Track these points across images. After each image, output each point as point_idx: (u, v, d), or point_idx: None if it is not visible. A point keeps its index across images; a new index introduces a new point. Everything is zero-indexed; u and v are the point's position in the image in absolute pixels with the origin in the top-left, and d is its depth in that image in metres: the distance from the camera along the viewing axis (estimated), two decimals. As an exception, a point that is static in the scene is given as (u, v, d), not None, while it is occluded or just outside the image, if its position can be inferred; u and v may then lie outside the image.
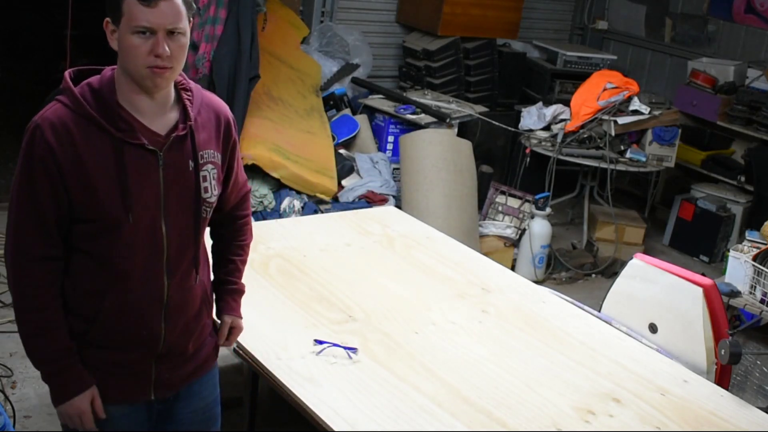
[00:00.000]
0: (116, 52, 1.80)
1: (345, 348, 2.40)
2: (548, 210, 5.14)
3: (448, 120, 5.34)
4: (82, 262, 1.84)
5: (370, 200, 4.87)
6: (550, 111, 5.71)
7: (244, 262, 2.22)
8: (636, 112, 5.43)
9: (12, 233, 1.80)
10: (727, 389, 2.62)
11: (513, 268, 4.97)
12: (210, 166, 1.93)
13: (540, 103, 5.92)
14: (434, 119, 5.33)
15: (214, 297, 2.16)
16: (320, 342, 2.43)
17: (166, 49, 1.73)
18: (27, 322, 1.84)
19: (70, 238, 1.83)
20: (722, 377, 2.71)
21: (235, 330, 2.19)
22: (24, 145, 1.78)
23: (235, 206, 2.15)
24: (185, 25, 1.77)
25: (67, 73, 1.84)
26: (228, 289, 2.18)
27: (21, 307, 1.83)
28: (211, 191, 1.94)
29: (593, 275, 5.33)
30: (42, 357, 1.86)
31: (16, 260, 1.81)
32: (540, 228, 5.08)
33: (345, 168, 5.07)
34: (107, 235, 1.81)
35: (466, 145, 5.05)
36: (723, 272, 3.73)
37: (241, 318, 2.21)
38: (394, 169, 5.24)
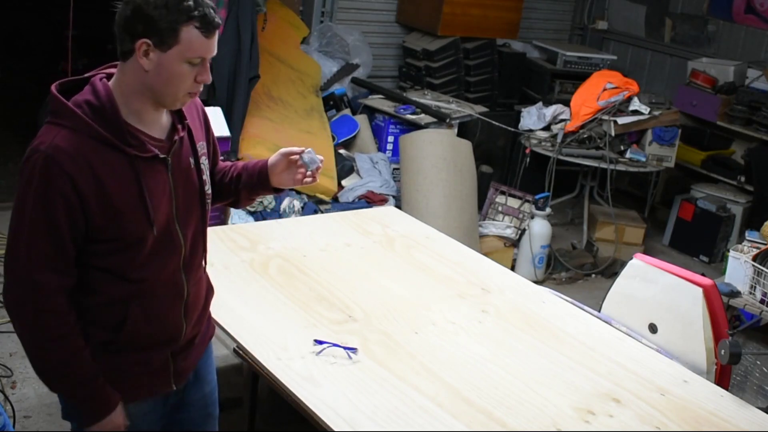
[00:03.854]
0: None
1: (345, 348, 2.40)
2: (548, 210, 5.15)
3: (448, 120, 5.34)
4: (102, 277, 1.81)
5: (370, 200, 4.87)
6: (550, 111, 5.72)
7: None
8: (636, 112, 5.43)
9: (27, 269, 1.72)
10: (727, 389, 2.62)
11: (513, 268, 4.97)
12: (203, 158, 1.96)
13: (540, 103, 5.92)
14: (434, 119, 5.33)
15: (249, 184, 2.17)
16: (320, 342, 2.43)
17: (211, 77, 1.77)
18: (52, 350, 1.77)
19: (90, 257, 1.78)
20: (722, 377, 2.71)
21: (284, 150, 2.13)
22: (34, 179, 1.68)
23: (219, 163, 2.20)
24: None
25: (56, 91, 1.75)
26: (246, 167, 2.17)
27: (44, 339, 1.76)
28: (209, 183, 1.97)
29: (593, 275, 5.33)
30: (78, 381, 1.81)
31: (34, 296, 1.73)
32: (540, 228, 5.08)
33: (345, 168, 5.07)
34: (130, 250, 1.80)
35: (466, 145, 5.05)
36: (723, 272, 3.73)
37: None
38: (394, 169, 5.24)
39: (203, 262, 2.03)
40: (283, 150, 2.15)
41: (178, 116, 1.88)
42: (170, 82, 1.72)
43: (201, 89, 1.80)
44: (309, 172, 2.14)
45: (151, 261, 1.83)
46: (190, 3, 1.67)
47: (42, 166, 1.67)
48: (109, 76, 1.80)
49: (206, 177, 1.95)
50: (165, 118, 1.85)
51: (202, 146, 1.95)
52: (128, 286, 1.83)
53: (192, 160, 1.90)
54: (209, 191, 1.97)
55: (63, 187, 1.67)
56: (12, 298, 1.76)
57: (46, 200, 1.68)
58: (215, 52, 1.76)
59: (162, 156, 1.80)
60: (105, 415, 1.85)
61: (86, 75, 1.80)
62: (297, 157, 2.14)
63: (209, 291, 2.11)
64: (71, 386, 1.82)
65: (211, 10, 1.72)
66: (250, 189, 2.19)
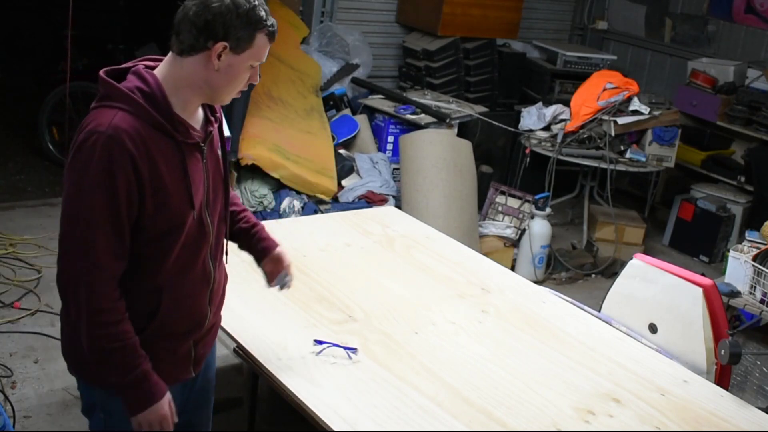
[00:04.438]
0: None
1: (345, 348, 2.40)
2: (548, 210, 5.14)
3: (448, 120, 5.34)
4: (139, 265, 1.85)
5: (369, 200, 4.87)
6: (550, 111, 5.72)
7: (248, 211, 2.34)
8: (636, 112, 5.43)
9: (86, 250, 1.74)
10: (727, 389, 2.62)
11: (513, 268, 4.97)
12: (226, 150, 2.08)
13: (540, 103, 5.92)
14: (434, 119, 5.33)
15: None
16: (320, 342, 2.43)
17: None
18: (104, 337, 1.79)
19: (131, 244, 1.83)
20: (722, 377, 2.71)
21: (283, 258, 2.30)
22: (95, 157, 1.71)
23: None
24: None
25: (106, 76, 1.82)
26: (258, 230, 2.29)
27: (97, 323, 1.78)
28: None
29: (593, 275, 5.33)
30: (125, 368, 1.83)
31: (92, 278, 1.75)
32: (540, 228, 5.08)
33: (345, 168, 5.07)
34: (170, 236, 1.86)
35: (466, 145, 5.05)
36: (723, 272, 3.73)
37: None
38: (394, 169, 5.24)
39: (225, 254, 2.12)
40: (278, 257, 2.29)
41: (210, 110, 1.98)
42: (232, 82, 1.85)
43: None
44: (278, 287, 2.32)
45: (186, 247, 1.90)
46: (263, 13, 1.83)
47: (104, 145, 1.71)
48: (148, 68, 1.87)
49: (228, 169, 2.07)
50: (200, 111, 1.95)
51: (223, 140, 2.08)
52: (163, 273, 1.88)
53: (219, 152, 2.02)
54: (229, 181, 2.10)
55: (125, 165, 1.72)
56: (67, 281, 1.78)
57: (109, 180, 1.72)
58: None
59: (201, 145, 1.91)
60: (152, 403, 1.86)
61: (125, 65, 1.87)
62: (280, 269, 2.31)
63: (226, 279, 2.18)
64: (121, 374, 1.83)
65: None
66: (240, 245, 2.31)
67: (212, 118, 1.97)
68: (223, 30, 1.77)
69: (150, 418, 1.87)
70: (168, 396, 1.90)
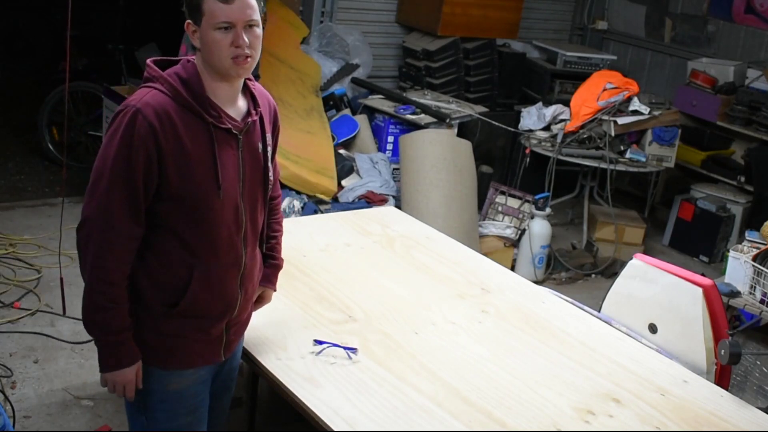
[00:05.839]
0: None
1: (345, 348, 2.40)
2: (548, 210, 5.14)
3: (447, 120, 5.34)
4: (171, 239, 1.98)
5: (369, 200, 4.87)
6: (550, 111, 5.72)
7: (281, 236, 2.40)
8: (636, 112, 5.43)
9: (103, 207, 1.89)
10: (727, 389, 2.62)
11: (513, 269, 4.97)
12: (269, 148, 2.15)
13: (540, 104, 5.92)
14: (434, 119, 5.33)
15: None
16: (320, 342, 2.43)
17: (246, 40, 1.92)
18: (100, 293, 1.93)
19: (159, 217, 1.96)
20: (722, 377, 2.71)
21: (264, 300, 2.37)
22: (121, 128, 1.88)
23: (273, 186, 2.32)
24: (258, 17, 1.96)
25: (151, 62, 2.00)
26: (270, 263, 2.36)
27: (98, 278, 1.92)
28: (272, 170, 2.18)
29: (593, 275, 5.33)
30: (106, 328, 1.95)
31: (103, 234, 1.90)
32: (540, 228, 5.08)
33: (345, 168, 5.07)
34: (198, 212, 1.97)
35: (466, 145, 5.05)
36: (723, 272, 3.73)
37: (275, 290, 2.40)
38: (394, 169, 5.24)
39: (262, 243, 2.24)
40: (260, 297, 2.37)
41: (252, 102, 2.09)
42: (212, 51, 1.93)
43: (248, 53, 1.93)
44: None
45: (218, 228, 2.00)
46: None
47: (130, 117, 1.89)
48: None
49: (270, 162, 2.14)
50: (241, 102, 2.06)
51: (269, 138, 2.15)
52: (195, 250, 1.99)
53: (260, 145, 2.10)
54: (272, 177, 2.17)
55: (146, 137, 1.88)
56: (84, 234, 1.92)
57: (129, 147, 1.88)
58: (246, 16, 1.92)
59: (234, 132, 2.01)
60: (122, 367, 1.99)
61: (176, 58, 2.06)
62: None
63: (261, 268, 2.26)
64: (102, 332, 1.96)
65: None
66: None
67: (253, 111, 2.07)
68: (187, 10, 1.94)
69: (116, 379, 2.01)
70: (138, 365, 2.01)
